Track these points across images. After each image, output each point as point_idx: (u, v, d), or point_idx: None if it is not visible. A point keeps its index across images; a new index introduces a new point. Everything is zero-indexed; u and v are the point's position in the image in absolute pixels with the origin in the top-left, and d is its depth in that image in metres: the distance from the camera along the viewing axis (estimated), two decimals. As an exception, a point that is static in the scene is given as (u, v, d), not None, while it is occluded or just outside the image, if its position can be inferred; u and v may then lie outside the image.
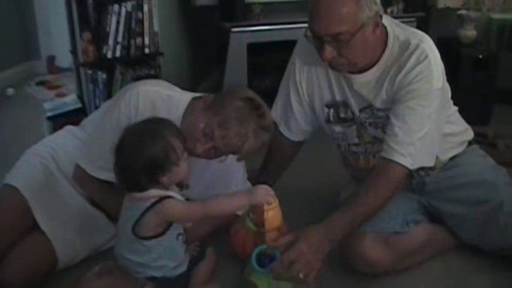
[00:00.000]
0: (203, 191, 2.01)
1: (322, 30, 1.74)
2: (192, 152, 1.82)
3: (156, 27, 3.04)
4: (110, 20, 2.90)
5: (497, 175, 2.07)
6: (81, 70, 2.97)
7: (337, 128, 2.07)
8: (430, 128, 1.83)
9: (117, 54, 2.97)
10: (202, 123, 1.81)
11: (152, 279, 1.72)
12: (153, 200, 1.66)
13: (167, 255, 1.74)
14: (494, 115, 3.44)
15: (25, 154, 2.12)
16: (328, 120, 2.08)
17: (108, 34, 2.92)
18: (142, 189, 1.67)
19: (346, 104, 2.00)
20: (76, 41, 2.94)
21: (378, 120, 1.96)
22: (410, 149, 1.81)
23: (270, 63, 3.42)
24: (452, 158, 2.07)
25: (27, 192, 1.96)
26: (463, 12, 3.53)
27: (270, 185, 1.83)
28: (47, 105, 3.12)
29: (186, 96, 1.97)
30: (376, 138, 2.00)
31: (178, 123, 1.86)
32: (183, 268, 1.80)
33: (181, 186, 1.79)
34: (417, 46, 1.83)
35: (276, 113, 2.15)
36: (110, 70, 2.98)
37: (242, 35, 3.31)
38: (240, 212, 1.99)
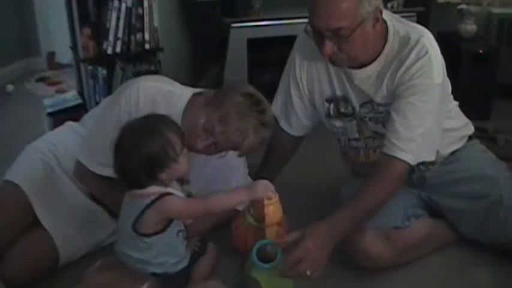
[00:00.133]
0: (204, 186, 2.01)
1: (322, 26, 1.74)
2: (193, 148, 1.82)
3: (156, 23, 3.04)
4: (110, 16, 2.90)
5: (498, 170, 2.07)
6: (82, 66, 2.97)
7: (338, 123, 2.07)
8: (430, 123, 1.84)
9: (118, 49, 2.97)
10: (203, 118, 1.81)
11: (153, 275, 1.72)
12: (153, 197, 1.65)
13: (168, 252, 1.74)
14: (494, 110, 3.44)
15: (25, 150, 2.12)
16: (328, 115, 2.08)
17: (108, 30, 2.91)
18: (142, 186, 1.66)
19: (346, 99, 2.01)
20: (76, 37, 2.94)
21: (378, 115, 1.96)
22: (411, 145, 1.81)
23: (270, 58, 3.42)
24: (452, 153, 2.08)
25: (28, 188, 1.96)
26: (463, 6, 3.52)
27: (271, 180, 1.83)
28: (47, 102, 3.11)
29: (187, 92, 1.97)
30: (376, 133, 2.00)
31: (178, 119, 1.86)
32: (184, 264, 1.80)
33: (182, 181, 1.79)
34: (417, 41, 1.83)
35: (276, 108, 2.15)
36: (110, 66, 2.98)
37: (242, 30, 3.31)
38: (240, 207, 1.99)
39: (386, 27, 1.87)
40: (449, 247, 2.10)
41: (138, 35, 3.00)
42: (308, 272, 1.64)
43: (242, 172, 2.18)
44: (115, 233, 1.96)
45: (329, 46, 1.77)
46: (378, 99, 1.93)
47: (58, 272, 1.95)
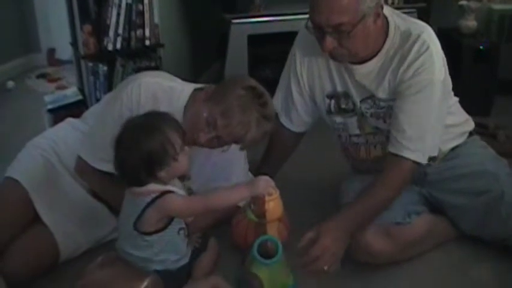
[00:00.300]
0: (204, 183, 2.01)
1: (323, 21, 1.74)
2: (196, 142, 1.82)
3: (156, 19, 3.03)
4: (111, 12, 2.89)
5: (498, 166, 2.07)
6: (82, 62, 2.97)
7: (338, 119, 2.07)
8: (434, 119, 1.86)
9: (118, 46, 2.96)
10: (205, 112, 1.81)
11: (154, 271, 1.72)
12: (153, 195, 1.65)
13: (169, 250, 1.74)
14: (495, 106, 3.43)
15: (26, 147, 2.12)
16: (329, 111, 2.08)
17: (108, 26, 2.90)
18: (141, 183, 1.67)
19: (347, 95, 2.00)
20: (76, 34, 2.93)
21: (379, 111, 1.96)
22: (419, 144, 1.84)
23: (270, 54, 3.42)
24: (453, 149, 2.08)
25: (29, 184, 1.96)
26: (464, 2, 3.51)
27: (271, 176, 1.83)
28: (47, 98, 3.11)
29: (188, 87, 1.97)
30: (377, 129, 2.00)
31: (180, 114, 1.86)
32: (185, 261, 1.81)
33: (183, 177, 1.79)
34: (418, 37, 1.83)
35: (276, 104, 2.15)
36: (110, 62, 2.97)
37: (243, 27, 3.30)
38: (241, 203, 1.99)
39: (387, 23, 1.87)
40: (450, 243, 2.10)
41: (139, 32, 3.00)
42: (326, 267, 1.69)
43: (242, 168, 2.18)
44: (116, 229, 1.96)
45: (330, 42, 1.77)
46: (380, 94, 1.93)
47: (59, 268, 1.95)
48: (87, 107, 2.87)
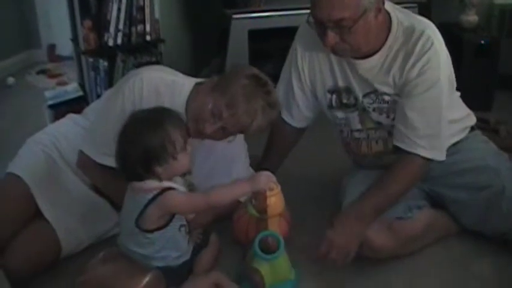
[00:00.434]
0: (205, 178, 2.01)
1: (325, 16, 1.73)
2: (202, 134, 1.83)
3: (157, 14, 3.03)
4: (111, 8, 2.89)
5: (499, 161, 2.07)
6: (83, 58, 2.97)
7: (340, 114, 2.07)
8: (444, 115, 1.88)
9: (119, 41, 2.96)
10: (210, 103, 1.81)
11: (156, 268, 1.73)
12: (155, 192, 1.65)
13: (170, 247, 1.74)
14: (496, 101, 3.43)
15: (27, 143, 2.12)
16: (330, 106, 2.07)
17: (109, 22, 2.91)
18: (140, 178, 1.67)
19: (349, 90, 2.00)
20: (77, 29, 2.94)
21: (383, 106, 1.96)
22: (435, 142, 1.89)
23: (271, 49, 3.41)
24: (454, 144, 2.08)
25: (30, 180, 1.96)
26: (465, -3, 3.51)
27: (273, 172, 1.84)
28: (48, 94, 3.11)
29: (189, 82, 1.97)
30: (379, 124, 2.00)
31: (182, 108, 1.87)
32: (186, 257, 1.81)
33: (184, 172, 1.79)
34: (422, 33, 1.83)
35: (277, 99, 2.15)
36: (111, 58, 2.97)
37: (243, 22, 3.30)
38: (242, 199, 1.99)
39: (390, 18, 1.86)
40: (451, 238, 2.11)
41: (139, 27, 3.00)
42: (339, 262, 1.78)
43: (243, 163, 2.18)
44: (117, 225, 1.96)
45: (331, 37, 1.77)
46: (384, 89, 1.93)
47: (60, 264, 1.95)
48: (87, 103, 2.87)
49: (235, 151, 2.13)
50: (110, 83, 2.95)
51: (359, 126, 2.06)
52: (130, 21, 2.96)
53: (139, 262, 1.72)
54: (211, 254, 1.91)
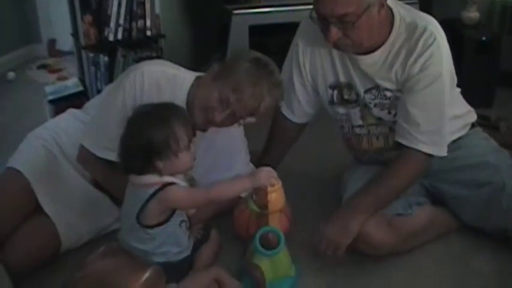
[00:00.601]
0: (205, 173, 2.01)
1: (328, 12, 1.73)
2: (211, 123, 1.86)
3: (157, 10, 3.03)
4: (111, 2, 2.89)
5: (500, 157, 2.07)
6: (83, 53, 2.97)
7: (341, 110, 2.07)
8: (446, 111, 1.88)
9: (119, 36, 2.96)
10: (216, 92, 1.82)
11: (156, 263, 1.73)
12: (156, 187, 1.65)
13: (170, 242, 1.74)
14: (497, 97, 3.42)
15: (27, 137, 2.12)
16: (331, 102, 2.07)
17: (109, 17, 2.90)
18: (139, 171, 1.67)
19: (350, 86, 2.00)
20: (77, 24, 2.93)
21: (384, 101, 1.96)
22: (436, 138, 1.89)
23: (272, 45, 3.39)
24: (455, 140, 2.08)
25: (30, 175, 1.96)
26: (466, -7, 3.50)
27: (273, 167, 1.84)
28: (48, 89, 3.11)
29: (190, 75, 1.97)
30: (380, 120, 2.00)
31: (183, 102, 1.87)
32: (187, 253, 1.81)
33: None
34: (425, 29, 1.83)
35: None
36: (111, 53, 2.97)
37: (244, 17, 3.29)
38: (243, 194, 1.99)
39: (392, 14, 1.86)
40: (451, 234, 2.11)
41: (140, 22, 2.99)
42: (329, 253, 1.81)
43: (244, 158, 2.18)
44: (117, 219, 1.96)
45: (334, 32, 1.77)
46: (385, 85, 1.93)
47: (60, 259, 1.96)
48: (88, 98, 2.87)
49: (235, 145, 2.13)
50: (110, 78, 2.95)
51: (360, 122, 2.05)
52: (131, 16, 2.96)
53: (139, 257, 1.72)
54: (211, 249, 1.91)
